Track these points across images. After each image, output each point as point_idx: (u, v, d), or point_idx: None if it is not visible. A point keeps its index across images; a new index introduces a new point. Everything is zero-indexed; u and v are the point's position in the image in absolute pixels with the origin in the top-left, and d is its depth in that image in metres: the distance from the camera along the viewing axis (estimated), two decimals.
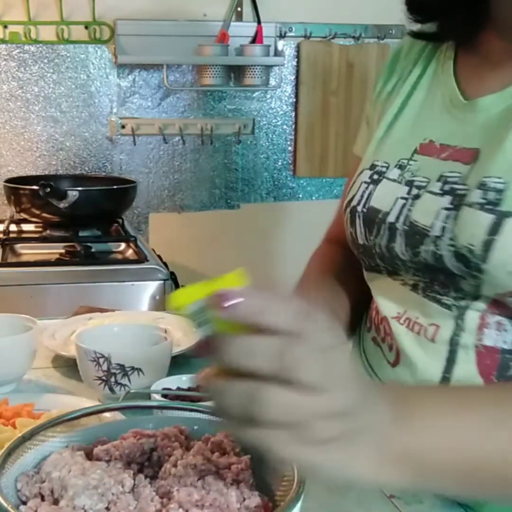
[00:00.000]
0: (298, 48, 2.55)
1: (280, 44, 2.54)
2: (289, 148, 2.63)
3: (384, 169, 0.84)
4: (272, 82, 2.54)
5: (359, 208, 0.85)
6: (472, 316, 0.74)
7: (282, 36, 2.52)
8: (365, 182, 0.85)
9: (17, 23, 2.34)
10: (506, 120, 0.73)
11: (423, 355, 0.78)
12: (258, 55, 2.42)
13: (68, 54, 2.41)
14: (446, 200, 0.74)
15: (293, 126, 2.61)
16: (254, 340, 0.49)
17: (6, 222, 2.18)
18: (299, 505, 0.59)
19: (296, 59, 2.56)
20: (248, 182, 2.62)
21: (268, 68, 2.48)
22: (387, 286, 0.85)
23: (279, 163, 2.63)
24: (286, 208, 2.65)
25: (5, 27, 2.34)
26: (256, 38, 2.47)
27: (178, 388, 0.94)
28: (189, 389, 0.95)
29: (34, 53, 2.38)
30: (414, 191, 0.78)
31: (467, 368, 0.75)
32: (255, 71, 2.43)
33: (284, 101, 2.60)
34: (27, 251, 2.02)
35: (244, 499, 0.62)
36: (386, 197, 0.81)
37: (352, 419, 0.52)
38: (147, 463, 0.67)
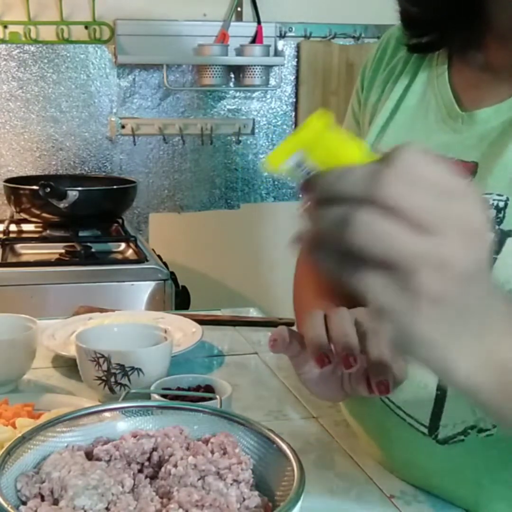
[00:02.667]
0: (298, 48, 2.55)
1: (280, 44, 2.54)
2: None
3: None
4: (272, 82, 2.54)
5: None
6: None
7: (282, 36, 2.52)
8: None
9: (17, 23, 2.34)
10: (505, 133, 0.71)
11: None
12: (258, 55, 2.42)
13: (68, 54, 2.41)
14: None
15: (293, 126, 2.61)
16: (359, 167, 0.46)
17: (6, 222, 2.18)
18: (299, 505, 0.59)
19: (296, 59, 2.56)
20: (248, 182, 2.62)
21: (268, 68, 2.48)
22: None
23: None
24: (286, 208, 2.65)
25: (5, 27, 2.34)
26: (256, 38, 2.47)
27: (178, 388, 0.94)
28: (189, 389, 0.95)
29: (34, 53, 2.38)
30: None
31: None
32: (255, 71, 2.43)
33: (284, 101, 2.60)
34: (27, 251, 2.02)
35: (244, 499, 0.62)
36: None
37: (467, 290, 0.45)
38: (147, 463, 0.67)
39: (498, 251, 0.67)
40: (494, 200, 0.68)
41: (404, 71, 0.86)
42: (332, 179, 0.46)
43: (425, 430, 0.76)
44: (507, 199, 0.68)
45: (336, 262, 0.46)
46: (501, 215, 0.68)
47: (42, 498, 0.62)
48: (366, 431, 0.86)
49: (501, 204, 0.68)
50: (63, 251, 1.96)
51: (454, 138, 0.76)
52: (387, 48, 0.91)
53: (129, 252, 2.04)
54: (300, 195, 0.48)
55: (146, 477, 0.66)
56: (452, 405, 0.73)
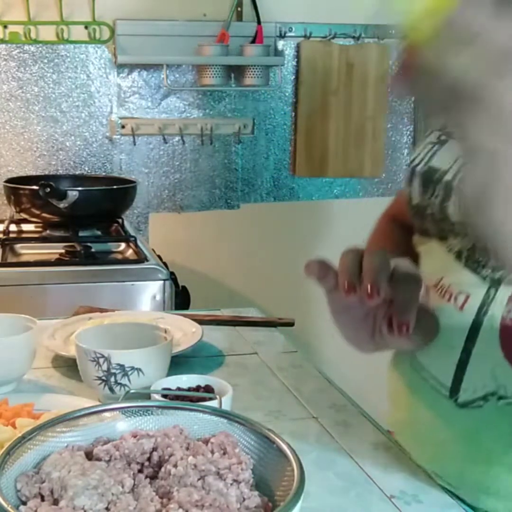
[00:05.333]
0: (298, 48, 2.55)
1: (280, 44, 2.54)
2: (289, 148, 2.63)
3: (444, 135, 0.83)
4: (272, 82, 2.54)
5: (419, 168, 0.84)
6: (506, 288, 0.74)
7: (282, 36, 2.52)
8: (431, 143, 0.84)
9: (17, 23, 2.34)
10: None
11: (449, 324, 0.78)
12: (258, 55, 2.42)
13: (68, 54, 2.40)
14: None
15: (293, 126, 2.61)
16: None
17: (6, 222, 2.18)
18: (299, 505, 0.59)
19: (296, 59, 2.56)
20: (248, 182, 2.62)
21: (268, 68, 2.48)
22: (433, 252, 0.84)
23: (279, 163, 2.63)
24: (286, 208, 2.65)
25: (5, 27, 2.34)
26: (256, 38, 2.46)
27: (178, 388, 0.94)
28: (189, 389, 0.95)
29: (34, 53, 2.38)
30: None
31: (489, 340, 0.74)
32: (255, 71, 2.43)
33: (284, 101, 2.59)
34: (27, 251, 2.02)
35: (244, 499, 0.62)
36: (448, 156, 0.80)
37: None
38: (147, 463, 0.67)
39: None
40: None
41: None
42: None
43: (447, 393, 0.77)
44: None
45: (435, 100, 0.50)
46: None
47: (42, 498, 0.62)
48: (397, 392, 0.87)
49: None
50: (63, 251, 1.96)
51: None
52: None
53: (129, 252, 2.04)
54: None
55: (146, 477, 0.66)
56: (475, 369, 0.75)
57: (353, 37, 2.56)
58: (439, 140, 0.83)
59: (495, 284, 0.75)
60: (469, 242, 0.78)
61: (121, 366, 0.96)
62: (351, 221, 2.68)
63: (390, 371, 0.90)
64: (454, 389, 0.77)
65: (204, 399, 0.87)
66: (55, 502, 0.61)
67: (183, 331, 1.24)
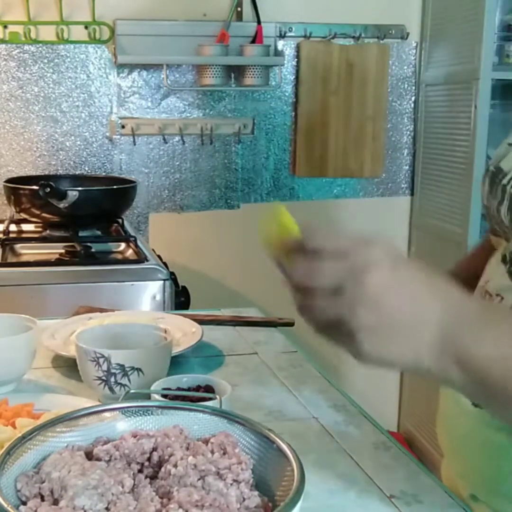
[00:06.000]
0: (298, 48, 2.55)
1: (280, 44, 2.54)
2: (289, 148, 2.63)
3: None
4: (272, 82, 2.54)
5: (491, 168, 0.85)
6: None
7: (282, 36, 2.52)
8: (509, 144, 0.84)
9: (17, 23, 2.34)
10: None
11: None
12: (258, 55, 2.42)
13: (68, 54, 2.41)
14: None
15: (293, 126, 2.61)
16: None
17: (6, 222, 2.18)
18: (299, 505, 0.59)
19: (296, 59, 2.56)
20: (248, 182, 2.62)
21: (268, 68, 2.48)
22: (495, 254, 0.85)
23: (279, 163, 2.63)
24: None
25: (5, 27, 2.34)
26: (256, 38, 2.46)
27: (178, 388, 0.94)
28: (189, 389, 0.95)
29: (34, 53, 2.38)
30: None
31: None
32: (255, 71, 2.43)
33: (284, 101, 2.59)
34: (27, 251, 2.02)
35: (244, 499, 0.62)
36: None
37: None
38: (147, 463, 0.67)
39: None
40: None
41: None
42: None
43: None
44: None
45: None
46: None
47: (42, 498, 0.62)
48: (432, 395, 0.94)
49: None
50: (63, 251, 1.96)
51: None
52: None
53: (129, 252, 2.04)
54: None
55: (146, 477, 0.66)
56: None
57: (353, 37, 2.56)
58: None
59: None
60: None
61: (121, 366, 0.96)
62: (351, 221, 2.69)
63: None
64: None
65: (204, 399, 0.87)
66: (55, 502, 0.61)
67: (183, 331, 1.24)
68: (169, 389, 0.93)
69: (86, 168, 2.48)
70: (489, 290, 0.82)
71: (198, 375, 0.99)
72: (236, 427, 0.70)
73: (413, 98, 2.69)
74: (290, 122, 2.61)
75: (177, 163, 2.55)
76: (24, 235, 2.17)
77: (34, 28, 2.35)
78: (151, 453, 0.67)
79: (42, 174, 2.42)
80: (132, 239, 2.06)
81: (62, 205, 1.97)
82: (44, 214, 2.04)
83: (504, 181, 0.80)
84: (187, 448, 0.68)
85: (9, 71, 2.38)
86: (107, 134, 2.48)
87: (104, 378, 0.96)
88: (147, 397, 0.90)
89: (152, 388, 0.92)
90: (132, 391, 0.88)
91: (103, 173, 2.48)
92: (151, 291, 1.81)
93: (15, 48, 2.36)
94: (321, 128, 2.58)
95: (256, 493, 0.64)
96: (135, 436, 0.68)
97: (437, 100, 2.57)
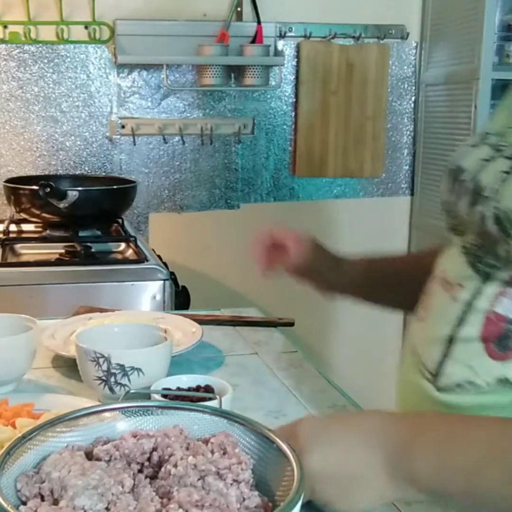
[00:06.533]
0: (298, 48, 2.55)
1: (280, 44, 2.54)
2: (289, 148, 2.63)
3: (489, 136, 0.87)
4: (272, 82, 2.54)
5: (451, 166, 0.89)
6: (495, 283, 0.79)
7: (282, 36, 2.52)
8: (468, 145, 0.89)
9: (17, 23, 2.34)
10: None
11: (442, 312, 0.84)
12: (258, 55, 2.42)
13: (68, 54, 2.41)
14: (507, 164, 0.78)
15: (293, 126, 2.61)
16: None
17: (6, 222, 2.18)
18: (299, 505, 0.59)
19: (296, 59, 2.56)
20: (248, 182, 2.62)
21: (268, 68, 2.48)
22: (452, 247, 0.89)
23: (279, 163, 2.63)
24: (286, 208, 2.65)
25: (5, 27, 2.34)
26: (256, 38, 2.46)
27: (178, 388, 0.94)
28: (189, 389, 0.95)
29: (34, 53, 2.38)
30: (493, 154, 0.82)
31: (471, 331, 0.80)
32: (255, 71, 2.43)
33: (284, 101, 2.60)
34: (27, 251, 2.02)
35: (244, 499, 0.62)
36: (473, 158, 0.85)
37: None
38: (147, 463, 0.67)
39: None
40: None
41: None
42: None
43: (430, 377, 0.84)
44: None
45: None
46: None
47: (42, 498, 0.62)
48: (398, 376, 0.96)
49: None
50: (63, 251, 1.96)
51: None
52: None
53: (129, 252, 2.04)
54: None
55: (146, 477, 0.66)
56: (455, 357, 0.81)
57: (353, 37, 2.56)
58: (475, 144, 0.88)
59: (486, 279, 0.80)
60: (476, 240, 0.82)
61: (121, 366, 0.96)
62: (351, 221, 2.69)
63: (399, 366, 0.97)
64: (437, 374, 0.83)
65: (204, 399, 0.87)
66: (55, 502, 0.61)
67: (183, 331, 1.24)
68: (169, 389, 0.93)
69: (86, 168, 2.48)
70: (449, 279, 0.85)
71: (198, 375, 0.99)
72: (236, 427, 0.70)
73: (413, 98, 2.69)
74: (290, 122, 2.61)
75: (177, 163, 2.55)
76: (24, 235, 2.17)
77: (34, 28, 2.35)
78: (151, 453, 0.67)
79: (42, 174, 2.42)
80: (132, 239, 2.06)
81: (62, 205, 1.97)
82: (44, 214, 2.04)
83: (464, 177, 0.84)
84: (187, 448, 0.68)
85: (9, 71, 2.38)
86: (107, 134, 2.48)
87: (104, 378, 0.96)
88: (147, 397, 0.90)
89: (152, 388, 0.92)
90: (132, 391, 0.88)
91: (103, 173, 2.48)
92: (151, 291, 1.81)
93: (15, 48, 2.36)
94: (321, 128, 2.58)
95: (256, 493, 0.64)
96: (135, 436, 0.68)
97: (437, 100, 2.57)
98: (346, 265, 1.14)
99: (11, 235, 2.12)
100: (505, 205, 0.75)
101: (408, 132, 2.71)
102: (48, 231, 2.11)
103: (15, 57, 2.37)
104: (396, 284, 1.13)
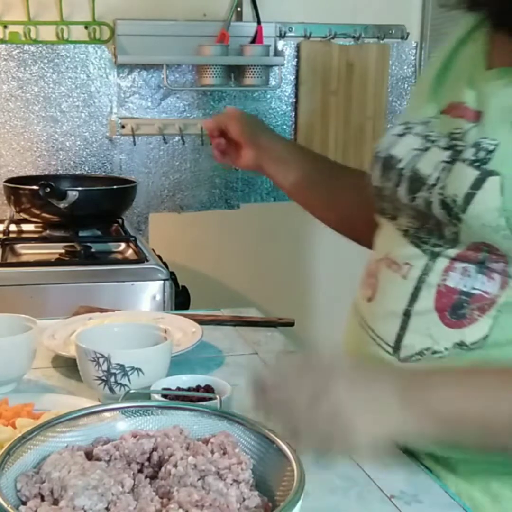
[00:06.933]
0: (298, 48, 2.55)
1: (280, 44, 2.54)
2: None
3: (412, 126, 0.94)
4: (272, 82, 2.54)
5: (381, 154, 0.96)
6: (443, 260, 0.86)
7: (282, 36, 2.52)
8: (394, 135, 0.96)
9: (17, 23, 2.34)
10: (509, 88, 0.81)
11: (393, 290, 0.90)
12: (258, 55, 2.42)
13: (68, 54, 2.40)
14: (446, 155, 0.85)
15: (293, 126, 2.61)
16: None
17: (6, 222, 2.18)
18: (299, 505, 0.59)
19: (296, 59, 2.56)
20: (248, 182, 2.62)
21: (268, 68, 2.48)
22: (387, 230, 0.97)
23: None
24: (286, 208, 2.64)
25: (5, 27, 2.34)
26: (256, 38, 2.46)
27: (178, 388, 0.94)
28: (189, 389, 0.95)
29: (34, 53, 2.38)
30: (427, 144, 0.89)
31: (426, 304, 0.86)
32: (255, 71, 2.43)
33: (284, 101, 2.59)
34: (27, 251, 2.02)
35: (244, 499, 0.62)
36: (405, 147, 0.92)
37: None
38: (147, 463, 0.67)
39: (479, 186, 0.80)
40: (488, 143, 0.81)
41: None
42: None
43: (390, 350, 0.89)
44: (498, 144, 0.80)
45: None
46: (489, 157, 0.80)
47: (42, 498, 0.62)
48: (347, 350, 1.01)
49: (491, 147, 0.81)
50: (63, 251, 1.96)
51: (472, 89, 0.88)
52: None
53: (129, 252, 2.04)
54: None
55: (146, 477, 0.66)
56: (413, 329, 0.87)
57: (353, 37, 2.56)
58: (400, 133, 0.94)
59: (434, 257, 0.86)
60: (416, 222, 0.89)
61: (121, 366, 0.96)
62: None
63: (345, 332, 1.03)
64: (397, 347, 0.88)
65: (204, 399, 0.87)
66: (55, 502, 0.61)
67: (183, 331, 1.24)
68: (169, 389, 0.93)
69: (86, 168, 2.48)
70: (397, 260, 0.91)
71: (198, 375, 0.99)
72: (236, 427, 0.70)
73: None
74: (290, 122, 2.61)
75: (177, 163, 2.55)
76: (24, 235, 2.17)
77: (34, 28, 2.35)
78: (151, 453, 0.67)
79: (42, 174, 2.41)
80: (132, 239, 2.06)
81: (62, 205, 1.97)
82: (44, 214, 2.04)
83: (400, 166, 0.91)
84: (187, 448, 0.68)
85: (9, 71, 2.38)
86: (107, 134, 2.48)
87: (104, 378, 0.96)
88: (147, 397, 0.90)
89: (152, 388, 0.92)
90: (132, 391, 0.88)
91: (103, 173, 2.48)
92: (151, 291, 1.82)
93: (15, 48, 2.36)
94: (321, 128, 2.58)
95: (256, 493, 0.64)
96: (135, 436, 0.68)
97: None
98: (292, 145, 1.24)
99: (11, 235, 2.12)
100: (450, 192, 0.82)
101: None
102: (48, 231, 2.11)
103: (15, 57, 2.37)
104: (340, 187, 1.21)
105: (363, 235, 1.08)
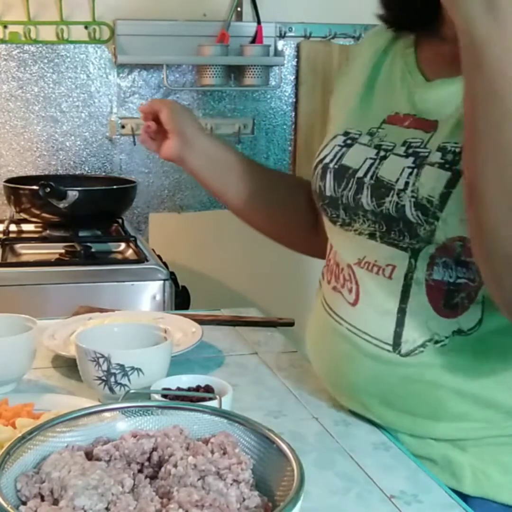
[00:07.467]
0: (298, 48, 2.55)
1: (280, 44, 2.54)
2: (289, 148, 2.63)
3: (356, 136, 0.98)
4: (272, 82, 2.54)
5: (331, 165, 0.98)
6: (424, 257, 0.88)
7: (282, 36, 2.52)
8: (339, 145, 0.99)
9: (17, 23, 2.34)
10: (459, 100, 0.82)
11: (381, 291, 0.91)
12: (258, 55, 2.42)
13: (68, 54, 2.41)
14: (409, 161, 0.88)
15: (293, 126, 2.61)
16: None
17: (6, 222, 2.18)
18: (299, 505, 0.59)
19: (296, 59, 2.56)
20: None
21: (268, 68, 2.48)
22: (342, 237, 0.98)
23: (279, 163, 2.63)
24: None
25: (5, 27, 2.34)
26: (256, 38, 2.46)
27: (178, 388, 0.94)
28: (189, 389, 0.95)
29: (34, 53, 2.38)
30: (382, 153, 0.93)
31: (419, 299, 0.88)
32: (255, 71, 2.43)
33: (284, 101, 2.60)
34: (27, 251, 2.02)
35: (244, 499, 0.62)
36: (357, 157, 0.95)
37: None
38: (147, 463, 0.67)
39: (454, 185, 0.83)
40: (452, 146, 0.85)
41: (372, 57, 1.03)
42: None
43: (390, 348, 0.90)
44: (462, 146, 0.81)
45: None
46: (457, 158, 0.83)
47: (42, 498, 0.62)
48: (330, 359, 0.99)
49: (457, 150, 0.84)
50: (63, 251, 1.96)
51: (419, 101, 0.93)
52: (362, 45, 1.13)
53: (129, 252, 2.04)
54: None
55: (146, 477, 0.66)
56: (411, 324, 0.89)
57: (353, 37, 2.56)
58: (345, 144, 0.98)
59: (415, 254, 0.88)
60: (382, 226, 0.91)
61: (121, 366, 0.96)
62: None
63: (319, 337, 1.03)
64: (396, 343, 0.90)
65: (204, 399, 0.87)
66: (55, 502, 0.61)
67: (183, 331, 1.24)
68: (169, 389, 0.93)
69: (86, 168, 2.48)
70: (377, 262, 0.92)
71: (198, 375, 0.99)
72: (236, 427, 0.70)
73: None
74: (290, 122, 2.61)
75: None
76: (24, 235, 2.17)
77: (34, 28, 2.35)
78: (151, 453, 0.67)
79: (42, 174, 2.42)
80: (132, 239, 2.06)
81: (62, 205, 1.97)
82: (44, 214, 2.05)
83: (359, 175, 0.93)
84: (187, 448, 0.68)
85: (9, 71, 2.38)
86: (107, 134, 2.48)
87: (104, 378, 0.96)
88: (147, 397, 0.90)
89: (152, 388, 0.92)
90: (132, 391, 0.88)
91: (103, 173, 2.48)
92: (151, 291, 1.82)
93: (15, 48, 2.36)
94: (321, 128, 2.57)
95: (256, 493, 0.64)
96: (135, 436, 0.68)
97: None
98: (221, 143, 1.21)
99: (11, 235, 2.12)
100: (424, 193, 0.84)
101: None
102: (48, 231, 2.11)
103: (15, 57, 2.37)
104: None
105: (293, 239, 1.13)
